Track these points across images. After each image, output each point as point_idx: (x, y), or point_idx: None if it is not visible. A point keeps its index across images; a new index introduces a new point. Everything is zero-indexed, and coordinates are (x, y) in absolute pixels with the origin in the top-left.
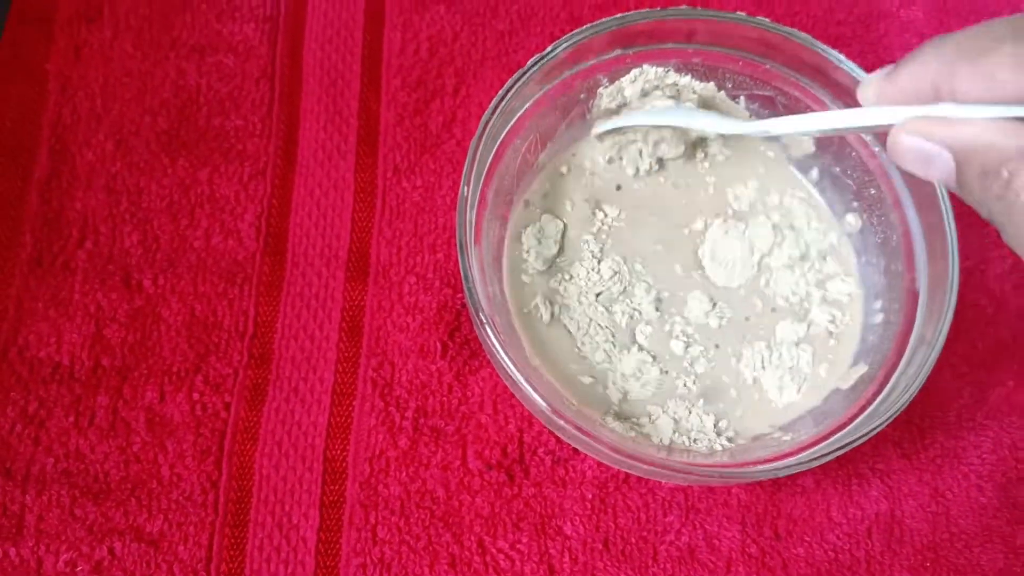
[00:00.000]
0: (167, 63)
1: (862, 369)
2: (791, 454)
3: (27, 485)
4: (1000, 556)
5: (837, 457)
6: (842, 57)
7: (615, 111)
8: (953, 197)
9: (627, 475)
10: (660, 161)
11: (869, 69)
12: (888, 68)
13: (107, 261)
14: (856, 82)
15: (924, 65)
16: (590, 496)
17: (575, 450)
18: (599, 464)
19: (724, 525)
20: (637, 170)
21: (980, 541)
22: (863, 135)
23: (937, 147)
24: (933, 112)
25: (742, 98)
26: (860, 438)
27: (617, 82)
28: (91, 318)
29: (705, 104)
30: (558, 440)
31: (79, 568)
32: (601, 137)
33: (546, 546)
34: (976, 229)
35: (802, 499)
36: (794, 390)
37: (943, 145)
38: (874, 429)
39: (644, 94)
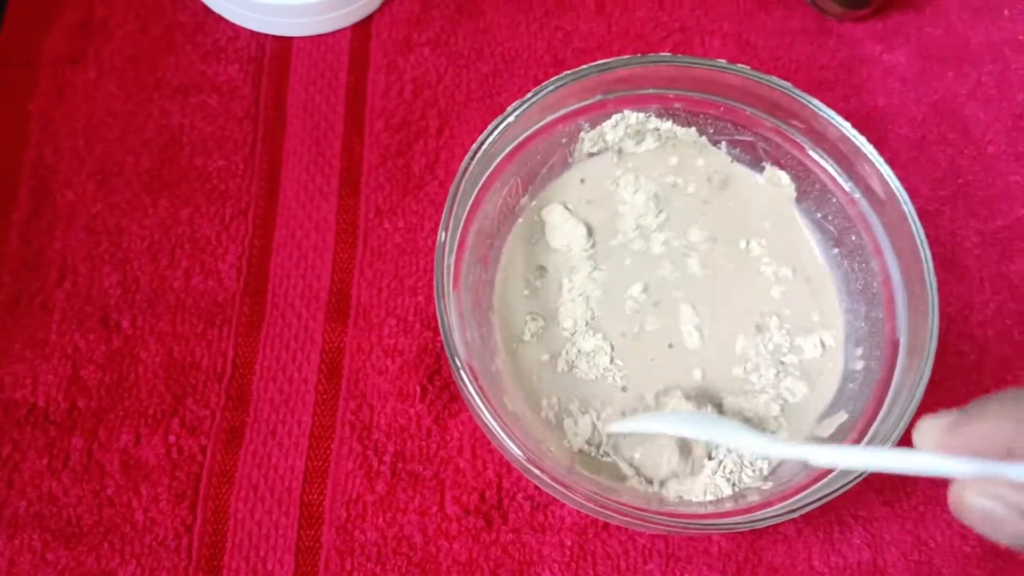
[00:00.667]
0: (151, 103)
1: (842, 417)
2: (771, 503)
3: None
4: None
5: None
6: (821, 105)
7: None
8: (931, 243)
9: (606, 522)
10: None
11: (851, 114)
12: (950, 415)
13: (85, 302)
14: (837, 130)
15: (995, 420)
16: (569, 543)
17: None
18: (578, 510)
19: (705, 574)
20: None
21: None
22: (843, 184)
23: (1009, 512)
24: (1002, 472)
25: (723, 143)
26: (841, 488)
27: (599, 127)
28: (68, 359)
29: None
30: (537, 486)
31: None
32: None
33: None
34: (959, 275)
35: (783, 547)
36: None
37: (1017, 511)
38: (855, 479)
39: (626, 138)
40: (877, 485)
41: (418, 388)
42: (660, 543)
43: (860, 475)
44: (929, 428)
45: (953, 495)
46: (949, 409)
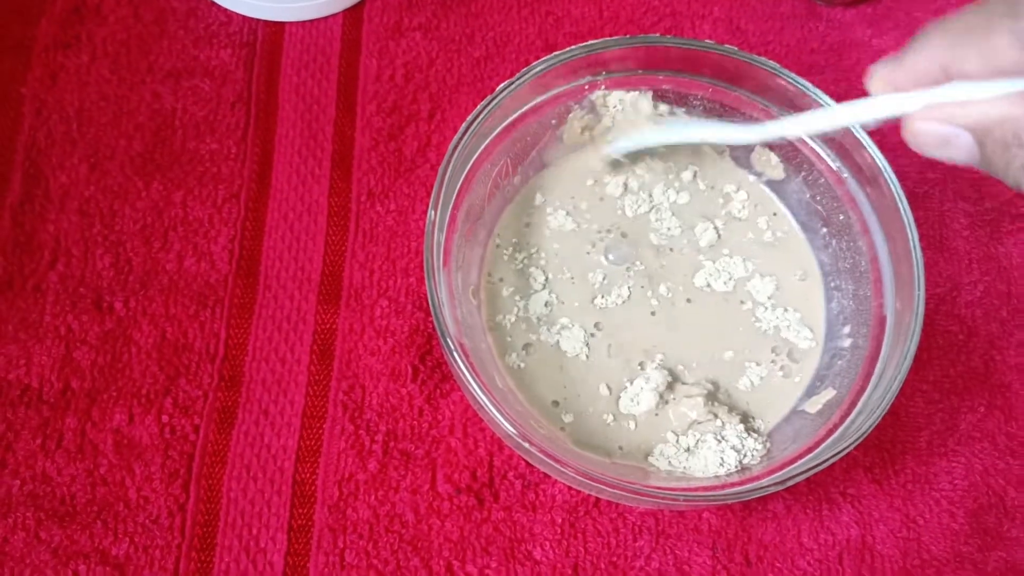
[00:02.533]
0: (143, 87)
1: (830, 393)
2: (758, 477)
3: None
4: None
5: (808, 483)
6: (809, 85)
7: (616, 132)
8: (920, 224)
9: (597, 499)
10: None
11: (840, 97)
12: (893, 56)
13: (79, 283)
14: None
15: (930, 48)
16: (560, 520)
17: (545, 474)
18: (569, 488)
19: (695, 550)
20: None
21: (952, 568)
22: (831, 163)
23: (955, 129)
24: (945, 95)
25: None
26: (827, 460)
27: (588, 108)
28: (61, 340)
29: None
30: (528, 464)
31: None
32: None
33: (515, 571)
34: (948, 256)
35: (773, 524)
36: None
37: (961, 126)
38: (841, 451)
39: (616, 119)
40: (866, 463)
41: (410, 368)
42: (650, 520)
43: (846, 447)
44: (876, 70)
45: (907, 128)
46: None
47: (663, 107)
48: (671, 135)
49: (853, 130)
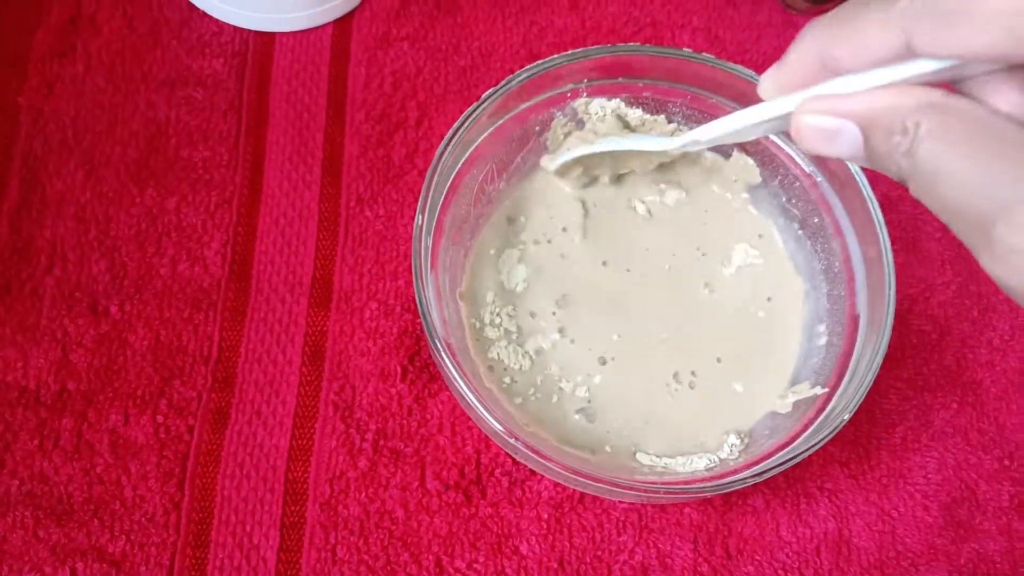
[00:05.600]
0: (138, 96)
1: (806, 389)
2: (737, 471)
3: None
4: (944, 574)
5: (786, 478)
6: None
7: (561, 143)
8: (894, 227)
9: (582, 495)
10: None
11: None
12: (778, 61)
13: (75, 288)
14: None
15: (806, 45)
16: (546, 516)
17: (531, 471)
18: (555, 485)
19: (677, 544)
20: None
21: (926, 559)
22: (805, 168)
23: (839, 122)
24: (825, 90)
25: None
26: (803, 453)
27: (570, 115)
28: (58, 343)
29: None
30: (515, 462)
31: None
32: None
33: (502, 565)
34: (921, 258)
35: (752, 519)
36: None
37: (846, 118)
38: (816, 444)
39: (597, 125)
40: (842, 459)
41: (399, 368)
42: (634, 515)
43: (821, 440)
44: (764, 78)
45: (792, 126)
46: None
47: (644, 115)
48: (596, 148)
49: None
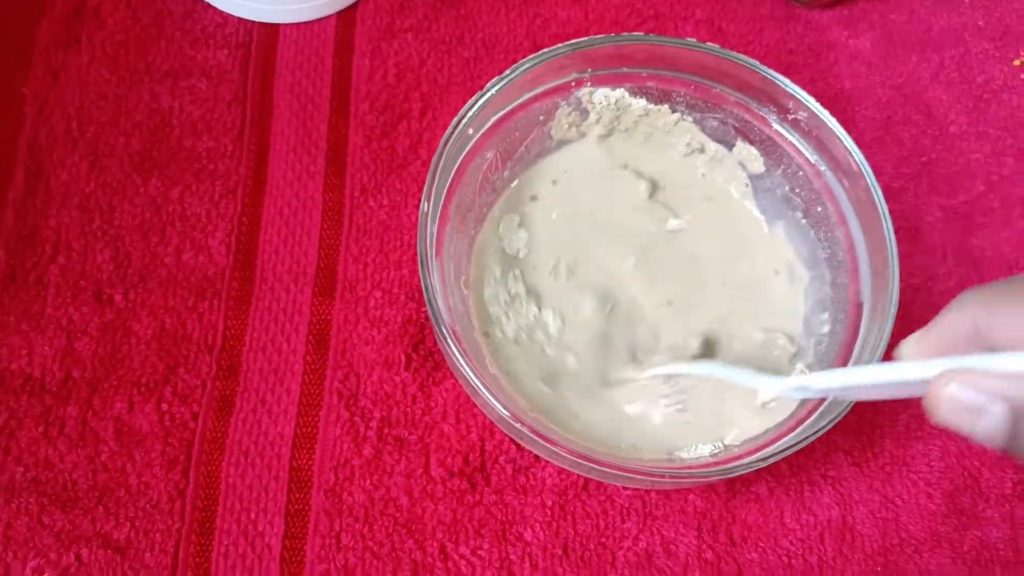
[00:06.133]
0: (141, 87)
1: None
2: (740, 457)
3: None
4: (948, 561)
5: (790, 465)
6: (787, 81)
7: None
8: (896, 217)
9: (586, 482)
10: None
11: (818, 96)
12: (926, 325)
13: (79, 276)
14: (803, 106)
15: (961, 314)
16: (550, 503)
17: (536, 458)
18: (559, 472)
19: (681, 531)
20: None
21: (929, 546)
22: (809, 157)
23: (990, 398)
24: (974, 364)
25: (695, 119)
26: (807, 439)
27: (575, 104)
28: (63, 331)
29: None
30: (519, 448)
31: (46, 574)
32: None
33: (507, 552)
34: (923, 248)
35: (756, 506)
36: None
37: (996, 396)
38: (819, 430)
39: (601, 115)
40: (846, 447)
41: (403, 357)
42: (638, 502)
43: (824, 426)
44: (909, 339)
45: (929, 393)
46: None
47: (648, 105)
48: (694, 370)
49: (829, 124)
